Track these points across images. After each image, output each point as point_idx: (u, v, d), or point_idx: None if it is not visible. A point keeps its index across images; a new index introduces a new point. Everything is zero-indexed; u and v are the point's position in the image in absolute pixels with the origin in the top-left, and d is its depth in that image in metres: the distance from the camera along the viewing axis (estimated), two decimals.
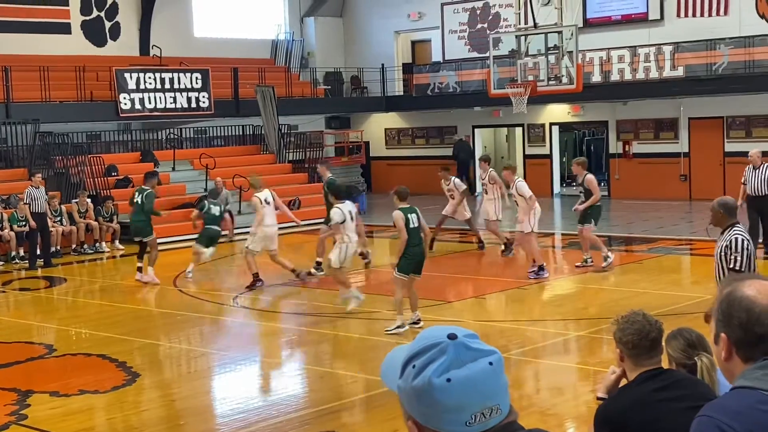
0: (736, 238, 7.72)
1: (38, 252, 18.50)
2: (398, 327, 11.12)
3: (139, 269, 15.94)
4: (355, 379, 9.77)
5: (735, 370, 2.31)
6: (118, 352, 11.12)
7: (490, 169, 17.06)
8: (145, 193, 15.93)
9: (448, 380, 1.80)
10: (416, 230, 11.17)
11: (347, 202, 13.10)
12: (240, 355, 11.40)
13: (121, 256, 19.74)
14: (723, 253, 7.77)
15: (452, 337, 1.84)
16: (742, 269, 7.64)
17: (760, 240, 15.99)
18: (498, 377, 1.84)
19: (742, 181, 16.02)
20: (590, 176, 15.33)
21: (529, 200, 14.85)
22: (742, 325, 2.27)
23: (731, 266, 7.62)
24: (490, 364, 1.83)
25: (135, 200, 15.96)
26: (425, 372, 1.82)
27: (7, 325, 13.37)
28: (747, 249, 7.77)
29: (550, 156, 28.40)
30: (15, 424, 8.51)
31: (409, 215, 11.13)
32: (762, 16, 24.10)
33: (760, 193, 15.57)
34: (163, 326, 13.03)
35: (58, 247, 19.60)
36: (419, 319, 11.26)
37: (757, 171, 15.67)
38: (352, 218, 12.68)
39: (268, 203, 15.01)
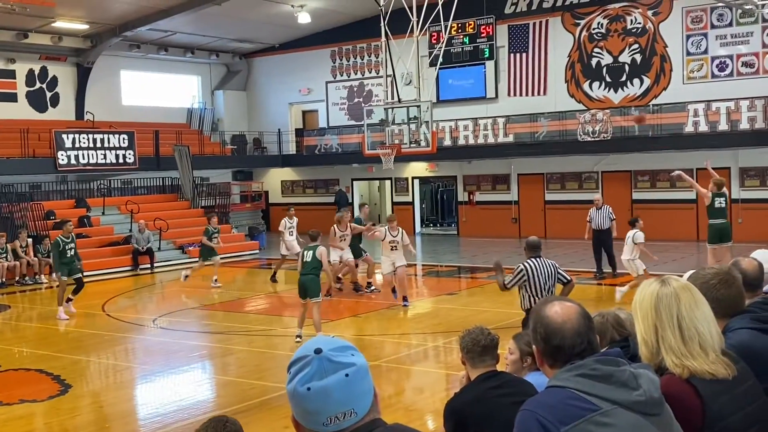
0: (517, 267, 8.34)
1: None
2: None
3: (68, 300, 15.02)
4: (253, 386, 9.58)
5: (547, 374, 2.38)
6: (53, 367, 10.64)
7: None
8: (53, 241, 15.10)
9: (308, 389, 1.79)
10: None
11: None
12: (158, 368, 11.04)
13: (57, 286, 18.88)
14: None
15: (318, 351, 1.81)
16: (529, 288, 8.23)
17: (606, 269, 16.64)
18: (354, 386, 1.81)
19: (588, 219, 16.73)
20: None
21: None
22: (543, 339, 2.35)
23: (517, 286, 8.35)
24: (347, 375, 1.80)
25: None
26: (294, 380, 1.81)
27: None
28: (520, 273, 8.28)
29: (412, 203, 28.77)
30: None
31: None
32: (572, 96, 25.16)
33: (603, 228, 16.41)
34: (92, 345, 12.49)
35: (3, 279, 18.68)
36: None
37: (599, 211, 16.59)
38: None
39: None
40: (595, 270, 16.72)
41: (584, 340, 2.31)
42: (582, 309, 2.39)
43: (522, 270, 8.30)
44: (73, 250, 14.90)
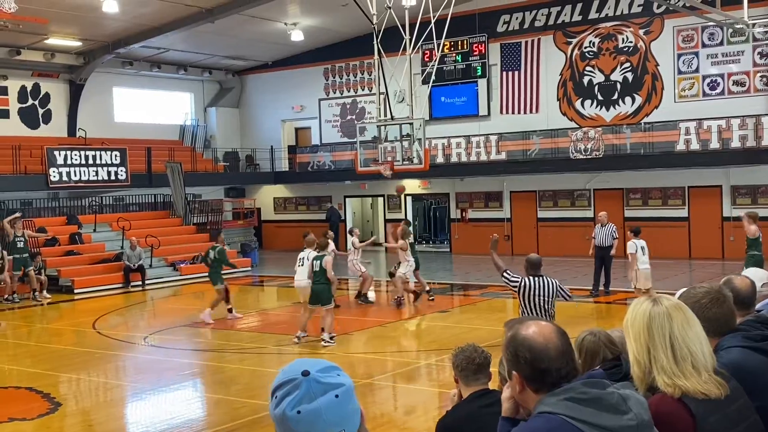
0: (520, 277, 8.32)
1: None
2: None
3: (230, 310, 15.41)
4: (245, 405, 9.53)
5: (528, 400, 2.26)
6: (43, 385, 10.56)
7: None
8: (218, 249, 15.56)
9: (299, 412, 1.75)
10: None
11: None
12: (149, 386, 10.97)
13: (48, 304, 18.79)
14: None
15: (305, 373, 1.79)
16: (527, 305, 8.22)
17: (602, 285, 16.68)
18: (344, 406, 1.79)
19: (592, 236, 16.91)
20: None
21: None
22: (528, 362, 2.21)
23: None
24: (336, 396, 1.78)
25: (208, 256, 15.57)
26: (282, 404, 1.77)
27: None
28: (516, 283, 8.29)
29: (405, 220, 28.69)
30: None
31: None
32: (564, 114, 25.27)
33: (605, 245, 16.59)
34: (83, 362, 12.42)
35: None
36: None
37: (603, 228, 16.78)
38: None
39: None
40: (591, 288, 16.73)
41: (569, 361, 2.22)
42: (558, 327, 2.29)
43: (520, 281, 8.24)
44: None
